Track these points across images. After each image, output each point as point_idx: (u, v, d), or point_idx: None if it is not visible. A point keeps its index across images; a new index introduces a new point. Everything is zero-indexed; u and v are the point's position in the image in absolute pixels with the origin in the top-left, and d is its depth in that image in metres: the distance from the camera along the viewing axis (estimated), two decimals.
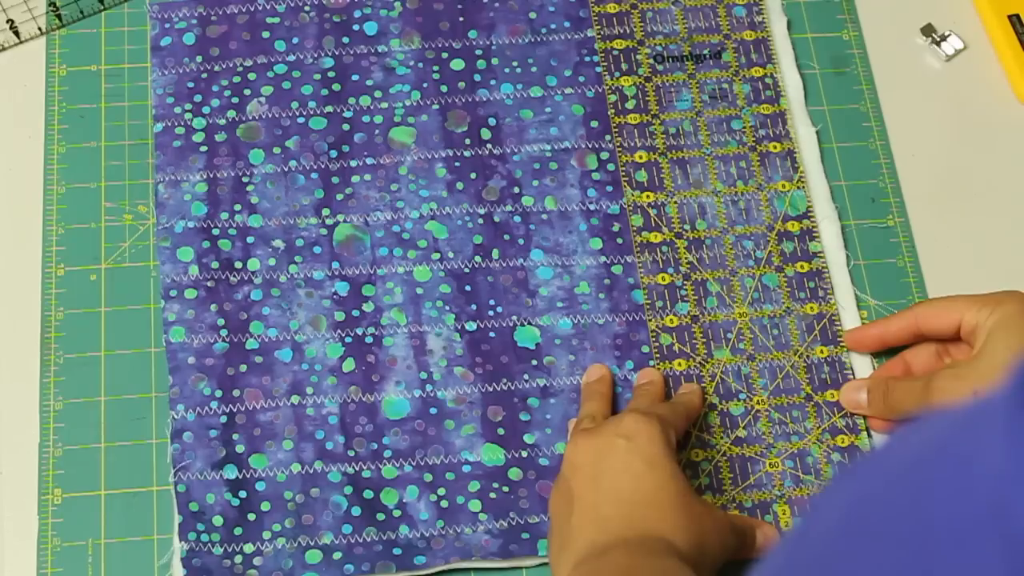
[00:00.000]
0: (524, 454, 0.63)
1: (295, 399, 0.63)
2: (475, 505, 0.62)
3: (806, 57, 0.73)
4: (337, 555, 0.61)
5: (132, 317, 0.65)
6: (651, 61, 0.72)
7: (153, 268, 0.66)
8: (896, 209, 0.70)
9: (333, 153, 0.69)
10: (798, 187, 0.70)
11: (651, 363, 0.65)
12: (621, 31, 0.73)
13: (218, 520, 0.61)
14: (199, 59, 0.70)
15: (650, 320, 0.66)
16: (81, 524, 0.61)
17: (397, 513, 0.62)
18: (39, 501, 0.61)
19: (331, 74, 0.71)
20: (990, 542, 0.26)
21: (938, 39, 0.74)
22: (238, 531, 0.61)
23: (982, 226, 0.70)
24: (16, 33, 0.71)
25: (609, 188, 0.69)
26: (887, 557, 0.29)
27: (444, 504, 0.62)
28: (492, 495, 0.62)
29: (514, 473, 0.63)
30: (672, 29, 0.73)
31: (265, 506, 0.61)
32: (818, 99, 0.72)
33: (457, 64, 0.72)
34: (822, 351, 0.66)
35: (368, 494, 0.62)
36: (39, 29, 0.71)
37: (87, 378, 0.64)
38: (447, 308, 0.66)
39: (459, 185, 0.69)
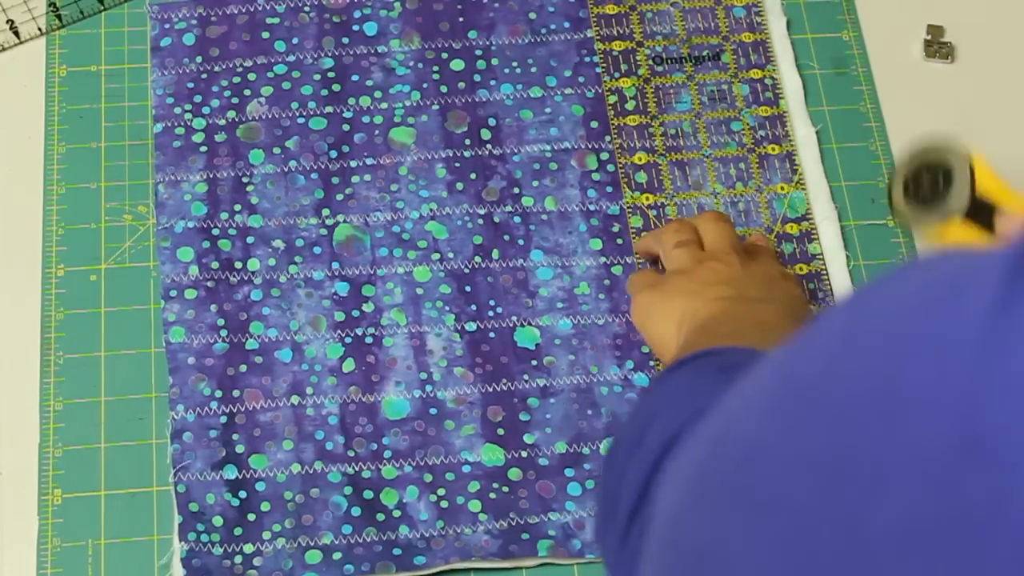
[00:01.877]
0: (524, 454, 0.63)
1: (295, 399, 0.63)
2: (475, 505, 0.62)
3: (806, 58, 0.73)
4: (337, 555, 0.61)
5: (132, 317, 0.65)
6: (650, 62, 0.72)
7: (153, 268, 0.66)
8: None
9: (333, 153, 0.69)
10: (797, 189, 0.70)
11: (652, 363, 0.65)
12: (620, 32, 0.73)
13: (218, 520, 0.61)
14: (199, 59, 0.70)
15: None
16: (81, 524, 0.61)
17: (397, 513, 0.62)
18: (39, 501, 0.61)
19: (331, 74, 0.71)
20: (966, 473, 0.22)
21: (936, 49, 0.74)
22: (238, 531, 0.61)
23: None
24: (16, 33, 0.71)
25: (609, 189, 0.69)
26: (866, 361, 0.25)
27: (444, 504, 0.62)
28: (492, 495, 0.62)
29: (514, 473, 0.63)
30: (671, 30, 0.73)
31: (265, 506, 0.61)
32: (818, 100, 0.72)
33: (457, 64, 0.72)
34: None
35: (368, 494, 0.62)
36: (39, 29, 0.71)
37: (87, 378, 0.64)
38: (447, 308, 0.66)
39: (459, 185, 0.69)
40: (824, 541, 0.25)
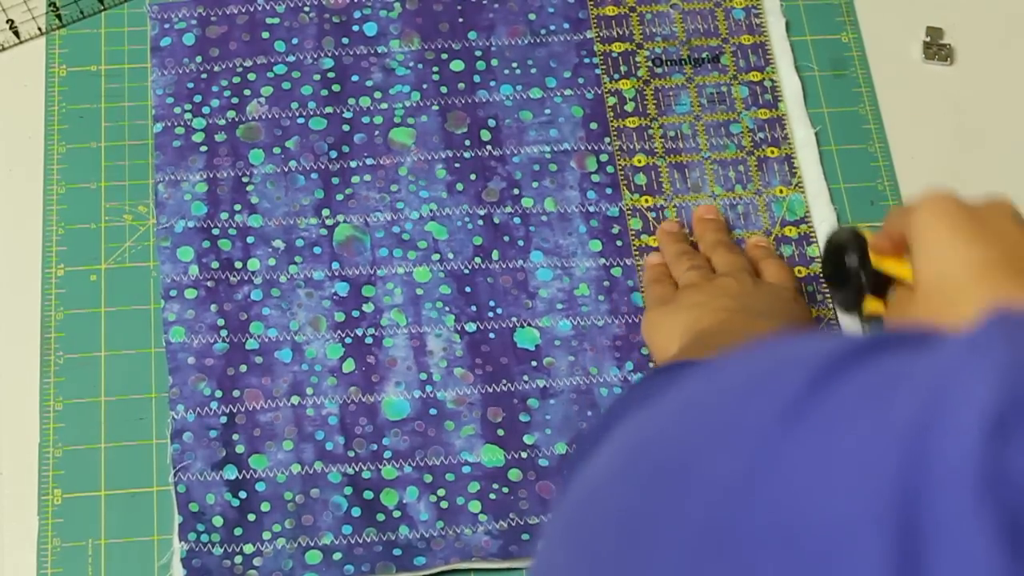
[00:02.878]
0: (524, 455, 0.63)
1: (295, 400, 0.63)
2: (475, 506, 0.62)
3: (805, 59, 0.73)
4: (337, 556, 0.61)
5: (132, 317, 0.65)
6: (650, 64, 0.73)
7: (153, 268, 0.66)
8: None
9: (333, 154, 0.69)
10: (796, 192, 0.70)
11: (651, 365, 0.66)
12: (620, 33, 0.73)
13: (218, 520, 0.61)
14: (199, 59, 0.70)
15: None
16: (81, 524, 0.61)
17: (397, 514, 0.62)
18: (39, 501, 0.61)
19: (331, 75, 0.71)
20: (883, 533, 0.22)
21: (936, 51, 0.74)
22: (238, 531, 0.61)
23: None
24: (16, 33, 0.71)
25: (608, 190, 0.69)
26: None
27: (444, 505, 0.62)
28: (492, 496, 0.62)
29: (514, 474, 0.63)
30: (671, 32, 0.73)
31: (265, 506, 0.61)
32: (817, 101, 0.72)
33: (457, 65, 0.72)
34: None
35: (368, 495, 0.62)
36: (39, 29, 0.71)
37: (87, 378, 0.64)
38: (447, 309, 0.66)
39: (459, 186, 0.69)
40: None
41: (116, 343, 0.65)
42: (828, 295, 0.68)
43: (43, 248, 0.66)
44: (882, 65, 0.73)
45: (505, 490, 0.62)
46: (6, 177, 0.69)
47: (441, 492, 0.62)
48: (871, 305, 0.63)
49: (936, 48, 0.74)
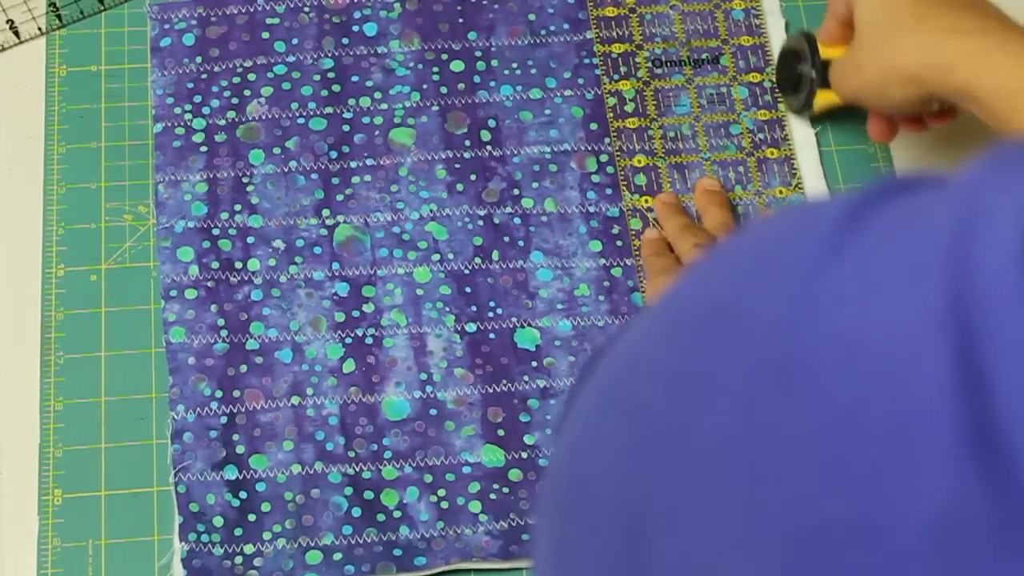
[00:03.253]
0: (524, 455, 0.63)
1: (295, 400, 0.63)
2: (475, 506, 0.62)
3: None
4: (337, 556, 0.61)
5: (132, 318, 0.65)
6: (649, 65, 0.73)
7: (153, 269, 0.66)
8: None
9: (333, 154, 0.69)
10: (796, 192, 0.70)
11: None
12: (620, 34, 0.73)
13: (218, 521, 0.61)
14: (199, 60, 0.70)
15: None
16: (81, 525, 0.61)
17: (397, 514, 0.62)
18: (39, 502, 0.61)
19: (331, 75, 0.71)
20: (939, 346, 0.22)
21: None
22: (238, 532, 0.61)
23: None
24: (16, 33, 0.71)
25: (608, 191, 0.69)
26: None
27: (444, 505, 0.62)
28: (492, 496, 0.62)
29: (514, 474, 0.63)
30: (670, 33, 0.73)
31: (265, 507, 0.61)
32: None
33: (457, 66, 0.72)
34: None
35: (368, 495, 0.62)
36: (39, 29, 0.71)
37: (87, 379, 0.64)
38: (447, 309, 0.66)
39: (459, 187, 0.69)
40: (663, 446, 0.26)
41: (116, 343, 0.65)
42: None
43: (43, 248, 0.66)
44: None
45: (505, 490, 0.62)
46: (6, 177, 0.69)
47: (441, 492, 0.62)
48: (822, 98, 0.67)
49: None
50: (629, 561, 0.26)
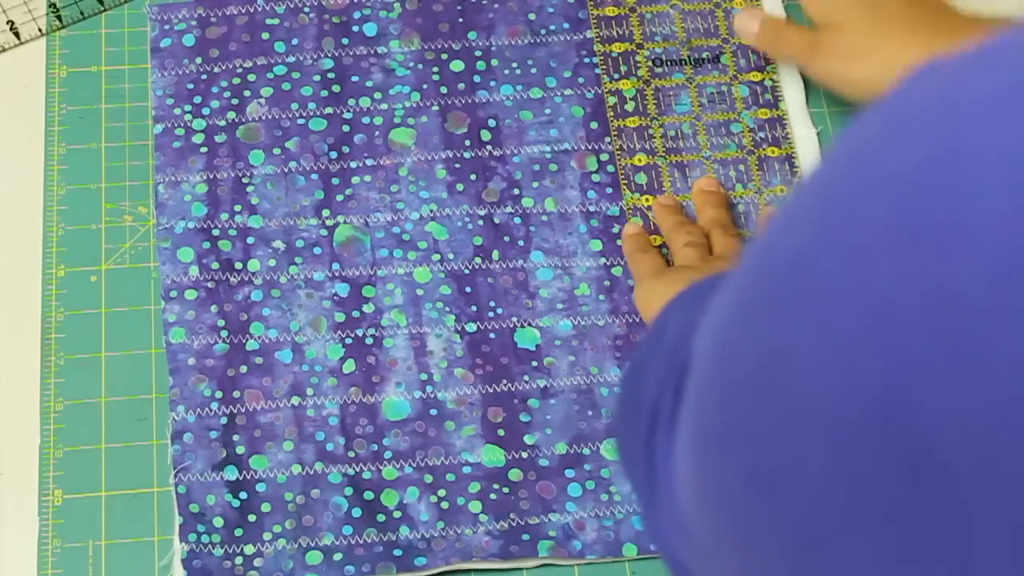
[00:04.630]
0: (524, 455, 0.63)
1: (295, 400, 0.63)
2: (475, 506, 0.62)
3: None
4: (338, 556, 0.61)
5: (133, 318, 0.65)
6: (650, 64, 0.73)
7: (153, 269, 0.66)
8: None
9: (333, 154, 0.69)
10: None
11: None
12: (620, 33, 0.73)
13: (219, 521, 0.61)
14: (199, 60, 0.70)
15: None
16: (82, 525, 0.61)
17: (397, 514, 0.62)
18: (39, 502, 0.61)
19: (331, 75, 0.71)
20: None
21: None
22: (239, 532, 0.61)
23: None
24: (16, 34, 0.71)
25: (609, 190, 0.69)
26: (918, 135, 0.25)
27: (444, 505, 0.62)
28: (492, 496, 0.62)
29: (514, 474, 0.63)
30: (671, 32, 0.73)
31: (266, 507, 0.61)
32: (818, 101, 0.72)
33: (457, 65, 0.72)
34: None
35: (368, 495, 0.62)
36: (39, 30, 0.71)
37: (88, 379, 0.64)
38: (447, 309, 0.66)
39: (459, 186, 0.69)
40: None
41: (117, 344, 0.65)
42: None
43: (43, 249, 0.66)
44: None
45: (506, 490, 0.62)
46: (6, 177, 0.69)
47: (442, 492, 0.62)
48: None
49: None
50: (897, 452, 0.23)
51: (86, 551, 0.60)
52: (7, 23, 0.71)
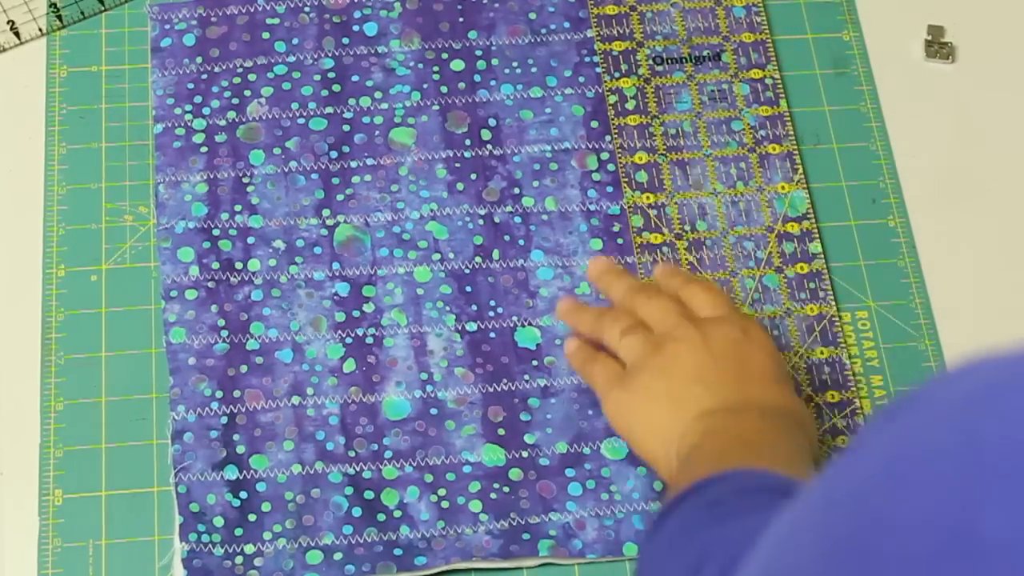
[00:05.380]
0: (525, 454, 0.63)
1: (296, 400, 0.63)
2: (475, 505, 0.62)
3: (806, 58, 0.73)
4: (338, 555, 0.61)
5: (133, 318, 0.65)
6: (650, 62, 0.72)
7: (154, 269, 0.66)
8: (896, 209, 0.70)
9: (333, 154, 0.69)
10: (798, 188, 0.70)
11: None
12: (620, 32, 0.73)
13: (219, 521, 0.61)
14: (199, 60, 0.70)
15: None
16: (82, 525, 0.61)
17: (398, 514, 0.61)
18: (40, 502, 0.61)
19: (331, 75, 0.71)
20: None
21: (937, 49, 0.74)
22: (239, 532, 0.61)
23: (982, 226, 0.70)
24: (16, 34, 0.71)
25: (609, 189, 0.69)
26: (930, 503, 0.26)
27: (444, 505, 0.62)
28: (493, 495, 0.62)
29: (515, 473, 0.63)
30: (671, 30, 0.73)
31: (266, 507, 0.61)
32: (818, 100, 0.72)
33: (457, 65, 0.72)
34: (822, 352, 0.66)
35: (369, 495, 0.62)
36: (40, 30, 0.71)
37: (88, 379, 0.64)
38: (447, 309, 0.66)
39: (459, 186, 0.69)
40: None
41: (117, 343, 0.65)
42: (828, 290, 0.67)
43: (44, 248, 0.67)
44: (883, 63, 0.73)
45: (506, 490, 0.62)
46: (6, 177, 0.69)
47: (442, 492, 0.62)
48: None
49: (937, 46, 0.74)
50: None
51: (86, 551, 0.60)
52: (7, 23, 0.71)
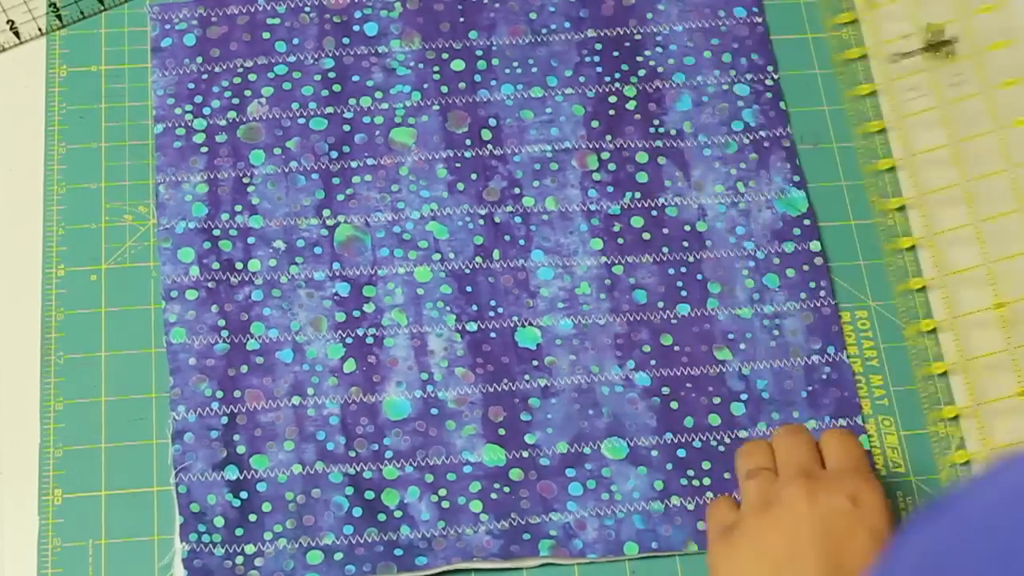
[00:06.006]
0: (525, 454, 0.63)
1: (296, 400, 0.63)
2: (476, 506, 0.62)
3: (806, 57, 0.73)
4: (338, 556, 0.60)
5: (132, 318, 0.65)
6: (651, 63, 0.72)
7: (154, 269, 0.66)
8: (896, 209, 0.70)
9: (334, 154, 0.69)
10: (798, 188, 0.70)
11: (652, 363, 0.65)
12: (621, 32, 0.73)
13: (219, 521, 0.61)
14: (199, 60, 0.70)
15: (651, 320, 0.66)
16: (81, 525, 0.61)
17: (398, 514, 0.61)
18: (39, 501, 0.61)
19: (331, 75, 0.71)
20: None
21: (937, 48, 0.74)
22: (239, 532, 0.60)
23: (982, 226, 0.70)
24: (16, 34, 0.71)
25: (610, 188, 0.69)
26: None
27: (445, 505, 0.62)
28: (493, 496, 0.62)
29: (515, 474, 0.63)
30: (671, 30, 0.73)
31: (266, 507, 0.61)
32: (818, 99, 0.72)
33: (457, 65, 0.72)
34: (822, 352, 0.66)
35: (369, 495, 0.62)
36: (39, 30, 0.71)
37: (87, 378, 0.64)
38: (448, 309, 0.66)
39: (460, 186, 0.69)
40: None
41: (116, 343, 0.65)
42: (832, 291, 0.67)
43: (43, 248, 0.67)
44: (883, 63, 0.73)
45: (506, 490, 0.62)
46: (6, 177, 0.69)
47: (442, 492, 0.62)
48: None
49: (937, 45, 0.74)
50: None
51: (86, 551, 0.60)
52: (7, 22, 0.71)
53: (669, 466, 0.63)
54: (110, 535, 0.61)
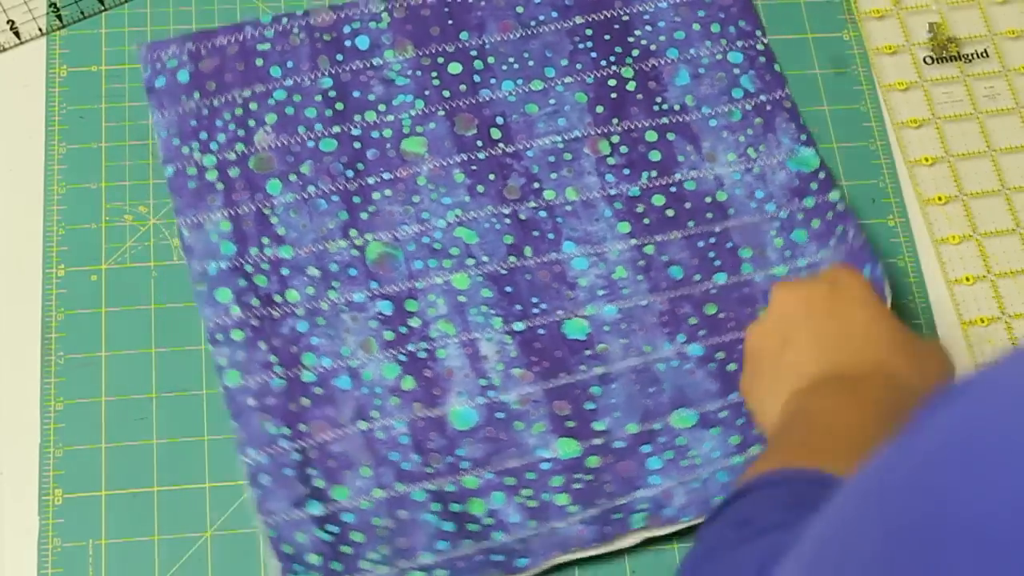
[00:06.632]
0: (599, 441, 0.62)
1: (363, 425, 0.61)
2: (562, 499, 0.60)
3: (806, 57, 0.74)
4: (440, 573, 0.58)
5: (133, 318, 0.64)
6: (643, 43, 0.71)
7: (154, 269, 0.65)
8: (896, 209, 0.70)
9: (349, 173, 0.66)
10: (806, 144, 0.68)
11: (701, 333, 0.62)
12: (608, 16, 0.72)
13: (314, 559, 0.58)
14: (197, 96, 0.68)
15: (691, 294, 0.65)
16: (82, 525, 0.60)
17: (488, 521, 0.60)
18: (40, 501, 0.60)
19: (332, 93, 0.69)
20: None
21: (937, 48, 0.75)
22: (336, 566, 0.58)
23: (983, 226, 0.70)
24: (16, 34, 0.70)
25: (626, 171, 0.68)
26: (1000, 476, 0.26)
27: (532, 504, 0.60)
28: (576, 486, 0.61)
29: (593, 461, 0.61)
30: (656, 8, 0.73)
31: (357, 536, 0.59)
32: (818, 99, 0.72)
33: (454, 68, 0.70)
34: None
35: (455, 507, 0.60)
36: (40, 30, 0.70)
37: (88, 378, 0.63)
38: (492, 312, 0.64)
39: (479, 188, 0.66)
40: None
41: (117, 343, 0.64)
42: (859, 231, 0.64)
43: (44, 248, 0.66)
44: (883, 63, 0.74)
45: (589, 478, 0.61)
46: (6, 177, 0.67)
47: (526, 492, 0.61)
48: None
49: (938, 45, 0.74)
50: None
51: (86, 550, 0.59)
52: (7, 22, 0.70)
53: (739, 421, 0.62)
54: (110, 535, 0.60)
